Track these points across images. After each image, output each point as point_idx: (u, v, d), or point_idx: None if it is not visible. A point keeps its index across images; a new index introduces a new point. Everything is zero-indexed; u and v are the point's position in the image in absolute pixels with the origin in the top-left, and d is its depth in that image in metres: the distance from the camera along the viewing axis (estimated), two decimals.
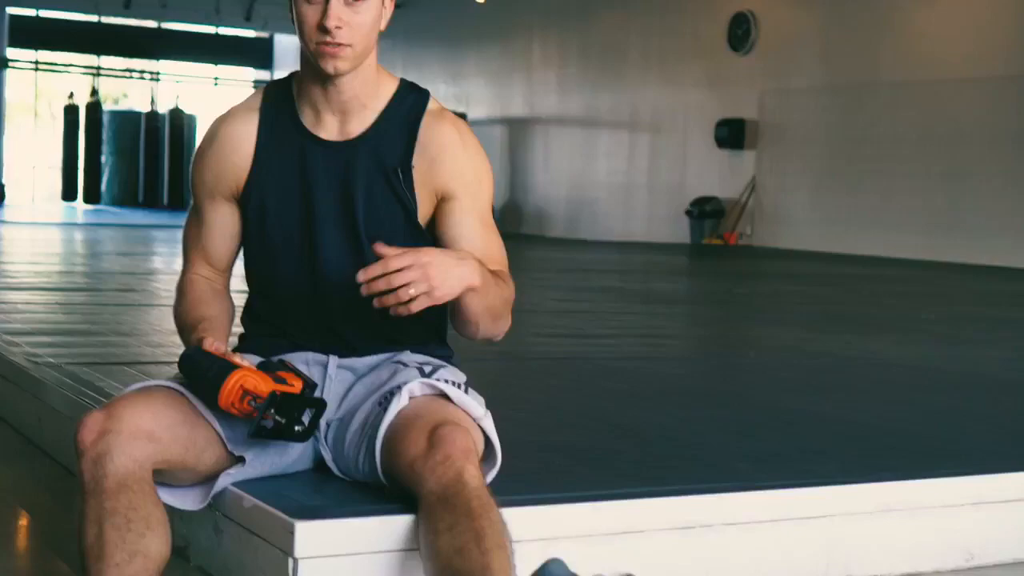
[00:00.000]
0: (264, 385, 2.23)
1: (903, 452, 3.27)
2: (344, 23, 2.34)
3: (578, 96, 22.44)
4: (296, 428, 2.24)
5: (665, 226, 19.99)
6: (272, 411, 2.22)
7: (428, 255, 2.22)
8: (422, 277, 2.20)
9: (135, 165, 27.40)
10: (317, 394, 2.40)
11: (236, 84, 29.68)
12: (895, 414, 3.93)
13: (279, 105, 2.52)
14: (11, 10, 27.28)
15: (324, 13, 2.33)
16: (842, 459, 3.12)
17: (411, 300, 2.20)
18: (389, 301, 2.20)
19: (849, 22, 17.34)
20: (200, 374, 2.26)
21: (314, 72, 2.43)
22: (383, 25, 2.43)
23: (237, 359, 2.27)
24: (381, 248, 2.23)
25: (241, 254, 2.62)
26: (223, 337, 2.42)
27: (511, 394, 3.79)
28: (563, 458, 2.95)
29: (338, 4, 2.34)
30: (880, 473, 2.96)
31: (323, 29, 2.34)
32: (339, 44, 2.35)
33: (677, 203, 19.72)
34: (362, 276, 2.20)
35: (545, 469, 2.81)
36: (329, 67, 2.38)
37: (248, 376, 2.23)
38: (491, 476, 2.35)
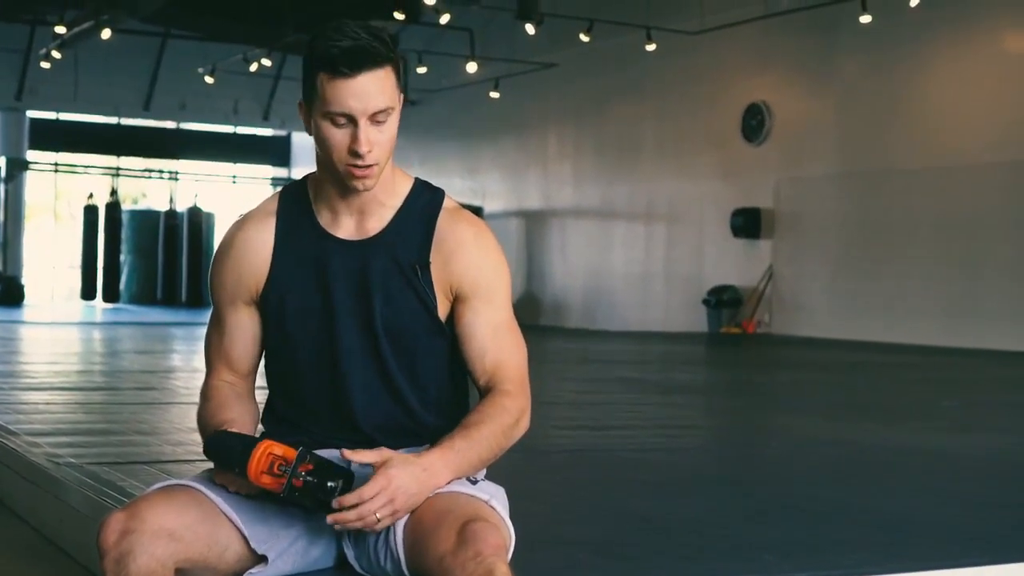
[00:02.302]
0: (292, 451, 2.26)
1: (927, 541, 3.24)
2: (373, 143, 2.36)
3: (594, 188, 22.56)
4: (329, 484, 2.24)
5: (682, 315, 19.98)
6: (302, 473, 2.23)
7: (396, 479, 2.25)
8: (388, 503, 2.24)
9: (154, 263, 27.53)
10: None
11: (254, 182, 29.92)
12: (918, 502, 3.90)
13: (296, 207, 2.53)
14: (31, 113, 27.64)
15: (354, 137, 2.35)
16: (867, 549, 3.09)
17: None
18: (356, 526, 2.24)
19: (862, 110, 17.47)
20: (227, 451, 2.29)
21: (335, 181, 2.44)
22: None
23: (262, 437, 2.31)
24: (351, 455, 2.28)
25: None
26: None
27: (532, 487, 3.78)
28: (587, 552, 2.93)
29: (367, 126, 2.35)
30: (905, 563, 2.94)
31: (354, 153, 2.36)
32: (370, 165, 2.38)
33: (694, 292, 19.73)
34: (334, 513, 2.24)
35: (570, 564, 2.79)
36: (359, 186, 2.40)
37: (275, 445, 2.27)
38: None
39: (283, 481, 2.23)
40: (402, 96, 2.43)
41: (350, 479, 2.27)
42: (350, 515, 2.23)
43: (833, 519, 3.51)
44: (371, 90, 2.33)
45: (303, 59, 2.40)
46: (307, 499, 2.26)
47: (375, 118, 2.35)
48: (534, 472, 4.25)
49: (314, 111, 2.38)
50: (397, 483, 2.25)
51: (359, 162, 2.36)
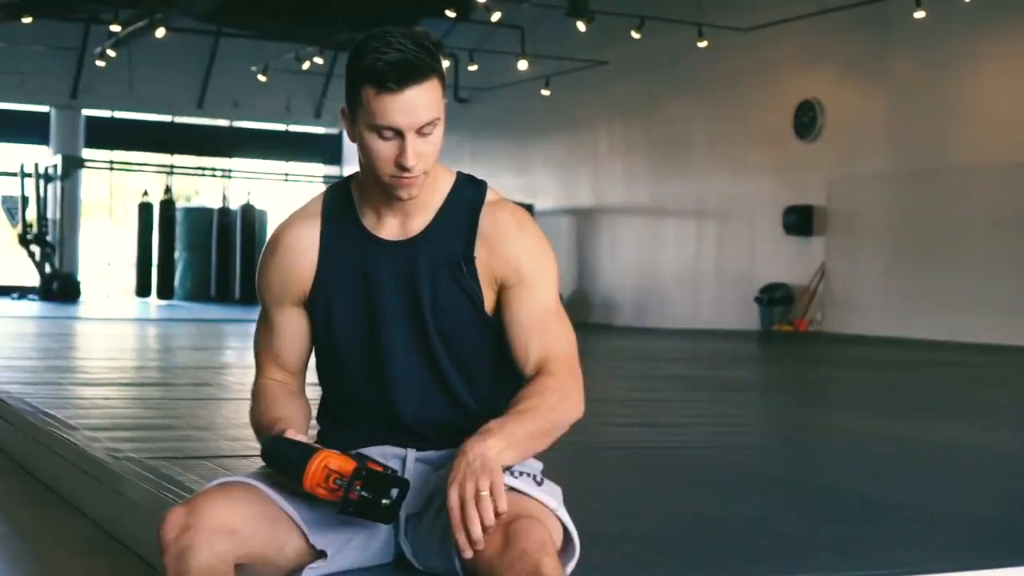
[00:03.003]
0: (348, 465, 2.26)
1: (985, 539, 3.22)
2: (419, 154, 2.35)
3: (644, 185, 22.52)
4: (383, 502, 2.24)
5: (734, 313, 19.91)
6: (358, 488, 2.23)
7: (453, 484, 2.20)
8: (473, 487, 2.19)
9: (207, 260, 27.76)
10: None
11: (306, 180, 30.10)
12: (974, 501, 3.88)
13: (340, 209, 2.54)
14: (87, 112, 27.96)
15: (402, 150, 2.34)
16: (925, 547, 3.08)
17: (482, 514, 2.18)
18: (488, 519, 2.18)
19: (915, 107, 17.33)
20: (284, 459, 2.29)
21: (379, 187, 2.44)
22: None
23: (318, 446, 2.30)
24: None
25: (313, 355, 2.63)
26: (300, 433, 2.44)
27: (586, 484, 3.78)
28: (643, 549, 2.94)
29: (414, 139, 2.34)
30: (963, 561, 2.92)
31: (401, 166, 2.35)
32: (415, 176, 2.38)
33: (745, 290, 19.65)
34: (463, 540, 2.17)
35: (627, 561, 2.80)
36: (404, 195, 2.41)
37: (332, 457, 2.26)
38: (571, 567, 2.34)
39: (339, 495, 2.24)
40: (445, 100, 2.43)
41: (405, 488, 2.28)
42: (461, 539, 2.18)
43: (889, 517, 3.49)
44: (418, 104, 2.32)
45: (347, 67, 2.38)
46: (362, 514, 2.26)
47: (422, 130, 2.34)
48: (588, 469, 4.26)
49: (359, 121, 2.36)
50: (464, 475, 2.21)
51: (406, 174, 2.36)
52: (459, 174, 2.55)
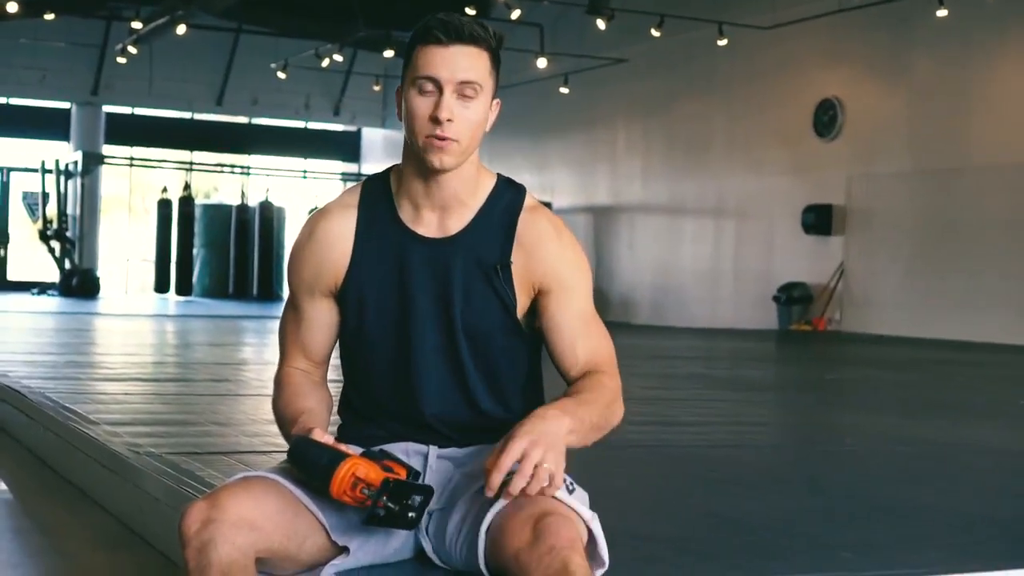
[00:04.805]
0: (375, 473, 2.25)
1: (1004, 540, 3.21)
2: (455, 117, 2.37)
3: (663, 183, 22.50)
4: (410, 515, 2.26)
5: (752, 312, 19.88)
6: (384, 499, 2.24)
7: (527, 436, 2.22)
8: (541, 450, 2.21)
9: (226, 257, 27.79)
10: (420, 482, 2.42)
11: (324, 177, 30.13)
12: (995, 502, 3.87)
13: (377, 200, 2.53)
14: (107, 108, 28.04)
15: (437, 105, 2.36)
16: (944, 547, 3.07)
17: (550, 481, 2.21)
18: (533, 488, 2.20)
19: (936, 106, 17.27)
20: (311, 463, 2.29)
21: (417, 167, 2.45)
22: (488, 126, 2.46)
23: (344, 448, 2.30)
24: (493, 468, 2.22)
25: (337, 346, 2.63)
26: (324, 428, 2.44)
27: (605, 483, 3.78)
28: (664, 549, 2.94)
29: (451, 97, 2.37)
30: (983, 561, 2.92)
31: (435, 120, 2.36)
32: (447, 138, 2.37)
33: (764, 289, 19.62)
34: (496, 479, 2.20)
35: (649, 560, 2.80)
36: (435, 161, 2.40)
37: (359, 464, 2.26)
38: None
39: (366, 503, 2.25)
40: (497, 101, 2.45)
41: (429, 495, 2.29)
42: (518, 482, 2.19)
43: (909, 517, 3.49)
44: (461, 62, 2.37)
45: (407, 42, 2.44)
46: (387, 524, 2.28)
47: (462, 91, 2.37)
48: (608, 467, 4.25)
49: (405, 84, 2.40)
50: (530, 436, 2.22)
51: (438, 131, 2.37)
52: (499, 176, 2.56)
